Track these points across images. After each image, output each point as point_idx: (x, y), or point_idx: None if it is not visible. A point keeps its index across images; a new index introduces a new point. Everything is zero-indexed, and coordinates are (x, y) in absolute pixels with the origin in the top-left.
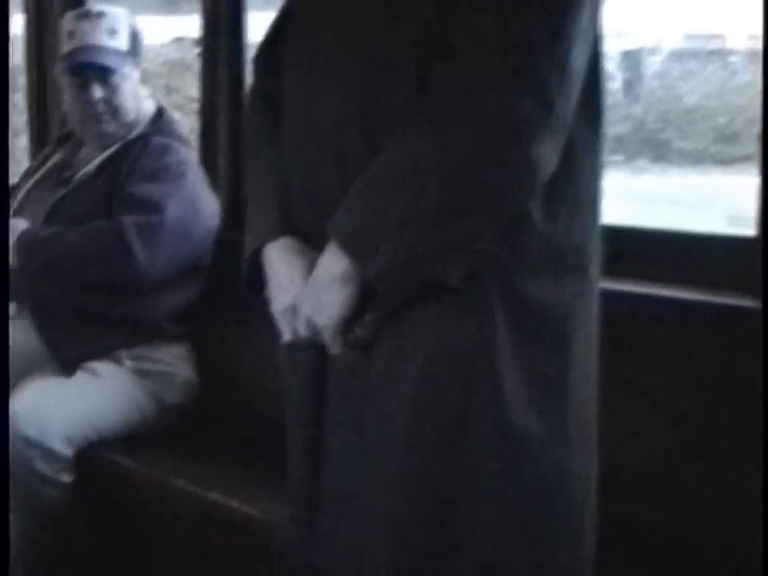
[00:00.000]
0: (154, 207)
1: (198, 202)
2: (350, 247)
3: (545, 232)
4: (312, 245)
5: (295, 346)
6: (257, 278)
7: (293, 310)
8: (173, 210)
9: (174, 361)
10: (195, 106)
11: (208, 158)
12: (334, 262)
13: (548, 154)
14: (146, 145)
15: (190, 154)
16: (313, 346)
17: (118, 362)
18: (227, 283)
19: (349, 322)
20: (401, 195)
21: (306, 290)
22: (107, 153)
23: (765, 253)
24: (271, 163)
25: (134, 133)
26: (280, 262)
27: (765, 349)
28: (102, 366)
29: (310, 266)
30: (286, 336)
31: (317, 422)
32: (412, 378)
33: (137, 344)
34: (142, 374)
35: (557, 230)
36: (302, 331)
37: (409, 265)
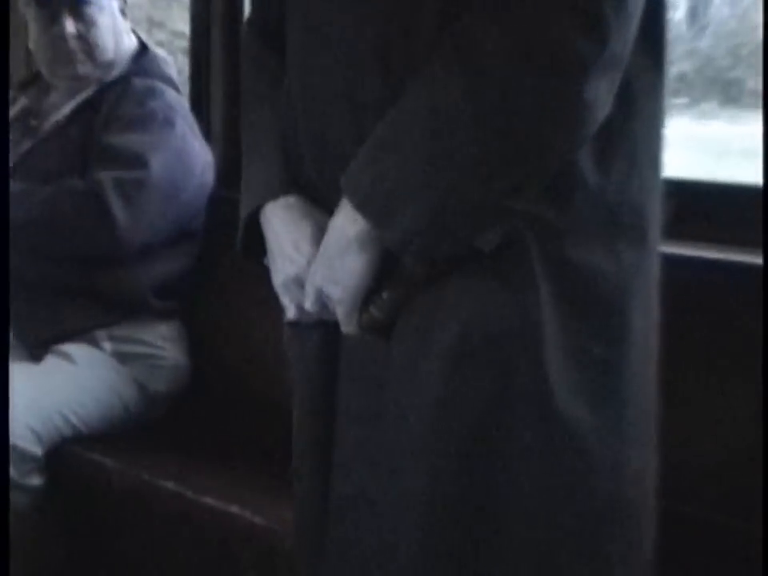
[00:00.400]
0: (136, 161)
1: (188, 154)
2: (366, 207)
3: (597, 188)
4: (321, 206)
5: (301, 324)
6: (255, 244)
7: (298, 282)
8: (158, 164)
9: (162, 342)
10: (183, 43)
11: (200, 104)
12: (347, 224)
13: (602, 95)
14: (127, 88)
15: (178, 98)
16: (322, 325)
17: (94, 344)
18: (224, 251)
19: (368, 296)
20: (426, 144)
21: (318, 257)
22: (81, 98)
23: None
24: (272, 109)
25: (113, 74)
26: (283, 224)
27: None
28: (76, 349)
29: (320, 231)
30: (290, 313)
31: (326, 413)
32: (440, 363)
33: (117, 323)
34: (123, 357)
35: (611, 186)
36: (311, 306)
37: (436, 227)
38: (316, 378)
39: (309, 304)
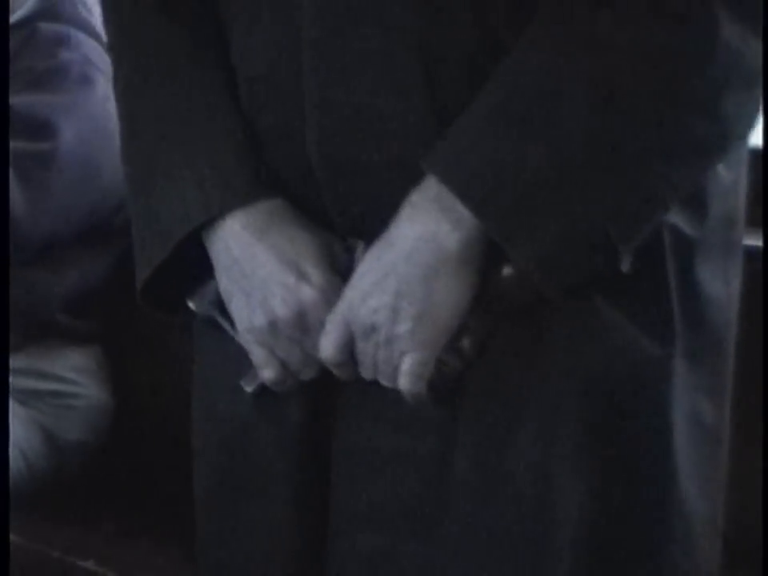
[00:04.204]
0: (40, 129)
1: (111, 123)
2: (489, 206)
3: (725, 182)
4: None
5: (273, 392)
6: (174, 285)
7: (298, 325)
8: (71, 134)
9: (75, 375)
10: None
11: None
12: (443, 231)
13: None
14: (31, 35)
15: (100, 51)
16: (306, 393)
17: None
18: None
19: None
20: (593, 103)
21: (366, 282)
22: None
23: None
24: (206, 73)
25: (12, 17)
26: (266, 242)
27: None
28: None
29: (327, 248)
30: (269, 373)
31: (315, 519)
32: (541, 428)
33: (14, 349)
34: (23, 396)
35: (733, 182)
36: (335, 355)
37: (598, 234)
38: (303, 469)
39: (330, 352)
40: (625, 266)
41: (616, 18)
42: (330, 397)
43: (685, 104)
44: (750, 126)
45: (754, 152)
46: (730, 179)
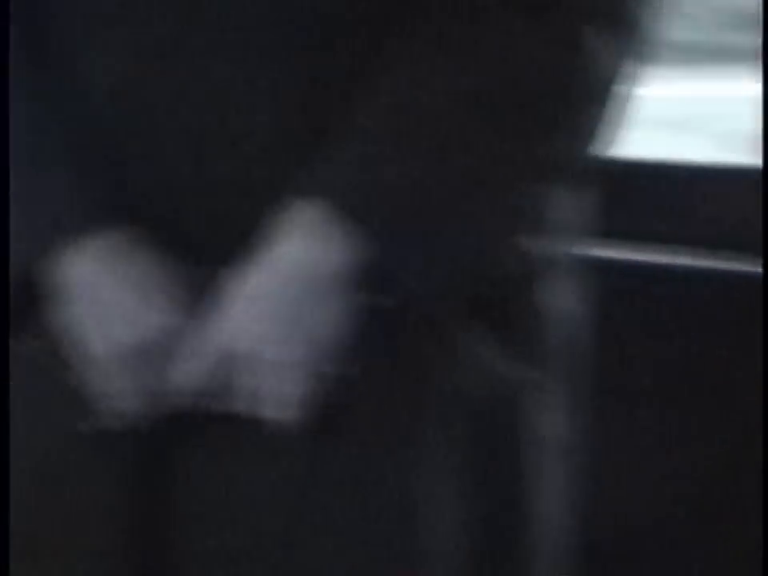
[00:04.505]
0: None
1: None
2: (369, 225)
3: (572, 201)
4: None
5: (124, 425)
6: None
7: (153, 354)
8: None
9: None
10: None
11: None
12: (328, 252)
13: None
14: None
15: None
16: (155, 427)
17: None
18: None
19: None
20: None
21: (240, 308)
22: None
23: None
24: (45, 90)
25: None
26: (113, 272)
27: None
28: None
29: (178, 279)
30: (118, 405)
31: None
32: (419, 453)
33: None
34: None
35: (579, 198)
36: (203, 381)
37: (476, 257)
38: (138, 512)
39: (198, 381)
40: (497, 288)
41: (486, 30)
42: (176, 434)
43: (546, 119)
44: (605, 142)
45: (755, 171)
46: (576, 195)
